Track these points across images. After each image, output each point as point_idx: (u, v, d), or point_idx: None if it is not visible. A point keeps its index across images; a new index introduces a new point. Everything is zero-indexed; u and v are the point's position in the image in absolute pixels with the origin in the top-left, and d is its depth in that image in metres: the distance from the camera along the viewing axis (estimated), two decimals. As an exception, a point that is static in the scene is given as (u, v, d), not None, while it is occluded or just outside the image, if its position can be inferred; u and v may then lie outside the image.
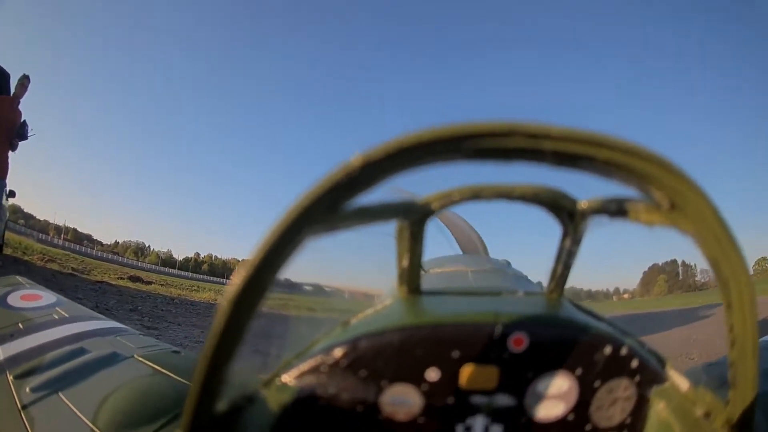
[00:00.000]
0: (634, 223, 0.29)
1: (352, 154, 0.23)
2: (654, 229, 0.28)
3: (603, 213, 0.30)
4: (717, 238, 0.25)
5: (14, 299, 1.11)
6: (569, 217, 0.31)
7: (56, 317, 1.00)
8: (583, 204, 0.30)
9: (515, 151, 0.24)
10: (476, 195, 0.30)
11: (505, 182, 0.29)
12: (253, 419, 0.31)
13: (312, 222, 0.24)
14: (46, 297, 1.13)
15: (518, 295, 0.40)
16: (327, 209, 0.24)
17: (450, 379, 0.32)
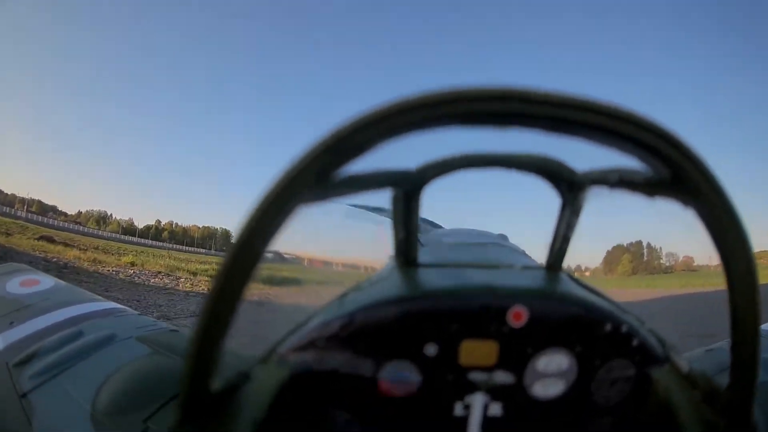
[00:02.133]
0: (635, 195, 0.28)
1: (342, 118, 0.22)
2: (654, 202, 0.27)
3: (603, 184, 0.29)
4: (719, 213, 0.25)
5: (13, 286, 1.11)
6: (568, 187, 0.31)
7: (54, 301, 1.00)
8: (582, 174, 0.30)
9: (511, 116, 0.23)
10: (472, 163, 0.29)
11: (502, 150, 0.28)
12: (250, 396, 0.31)
13: (302, 190, 0.23)
14: (44, 281, 1.13)
15: (517, 268, 0.39)
16: (317, 177, 0.23)
17: (449, 355, 0.31)
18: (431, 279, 0.35)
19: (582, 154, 0.27)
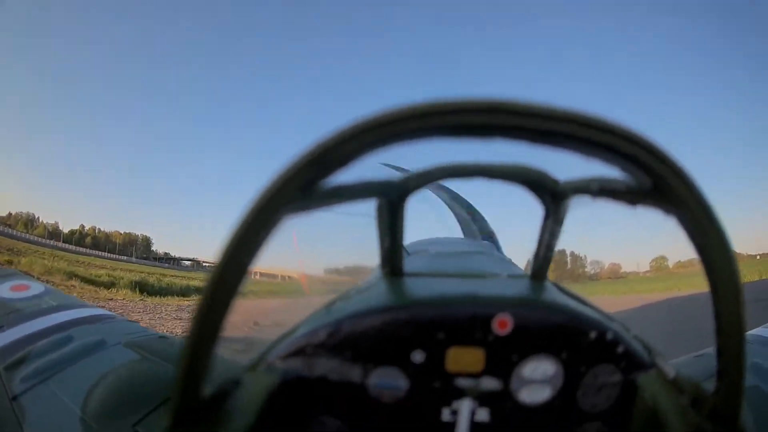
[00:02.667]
0: (617, 204, 0.28)
1: (327, 130, 0.22)
2: (636, 210, 0.28)
3: (585, 193, 0.29)
4: (701, 221, 0.25)
5: (3, 291, 1.10)
6: (551, 197, 0.31)
7: (44, 306, 1.00)
8: (564, 184, 0.30)
9: (496, 128, 0.23)
10: (456, 173, 0.29)
11: (485, 160, 0.29)
12: (240, 403, 0.31)
13: (287, 202, 0.23)
14: (34, 287, 1.12)
15: (502, 277, 0.40)
16: (302, 188, 0.23)
17: (436, 362, 0.31)
18: (417, 288, 0.35)
19: (564, 164, 0.28)
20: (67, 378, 0.71)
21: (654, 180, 0.25)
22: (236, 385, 0.32)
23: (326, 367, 0.32)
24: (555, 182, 0.30)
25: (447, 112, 0.22)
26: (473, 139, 0.24)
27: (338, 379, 0.32)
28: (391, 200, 0.32)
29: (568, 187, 0.30)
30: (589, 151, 0.24)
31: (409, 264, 0.39)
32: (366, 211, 0.32)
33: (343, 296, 0.38)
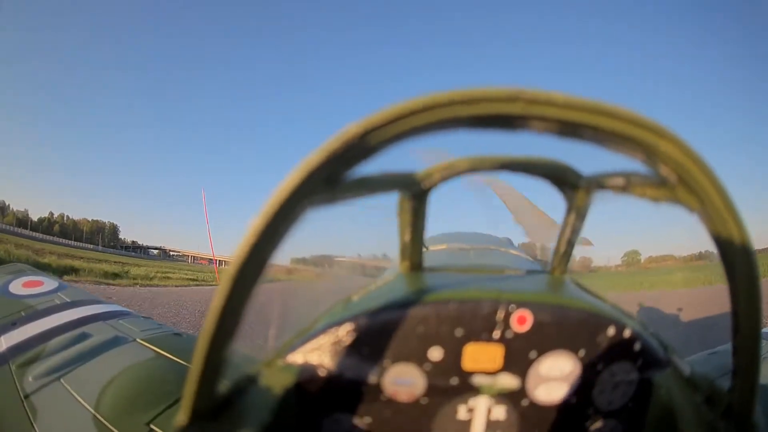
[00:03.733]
0: (640, 198, 0.28)
1: (349, 121, 0.22)
2: (659, 206, 0.27)
3: (608, 188, 0.29)
4: (723, 218, 0.24)
5: (16, 287, 1.11)
6: (573, 191, 0.31)
7: (58, 302, 1.00)
8: (588, 178, 0.30)
9: (517, 118, 0.22)
10: (479, 166, 0.29)
11: (508, 154, 0.28)
12: (256, 400, 0.31)
13: (311, 194, 0.23)
14: (48, 282, 1.13)
15: (521, 272, 0.39)
16: (326, 180, 0.23)
17: (453, 359, 0.31)
18: (436, 284, 0.34)
19: (588, 157, 0.27)
20: (81, 376, 0.71)
21: (679, 176, 0.24)
22: (252, 382, 0.32)
23: (344, 363, 0.32)
24: (578, 176, 0.30)
25: (468, 102, 0.22)
26: (496, 130, 0.23)
27: (355, 376, 0.32)
28: (414, 194, 0.31)
29: (592, 182, 0.29)
30: (613, 143, 0.24)
31: (428, 258, 0.39)
32: (387, 203, 0.31)
33: (360, 291, 0.37)
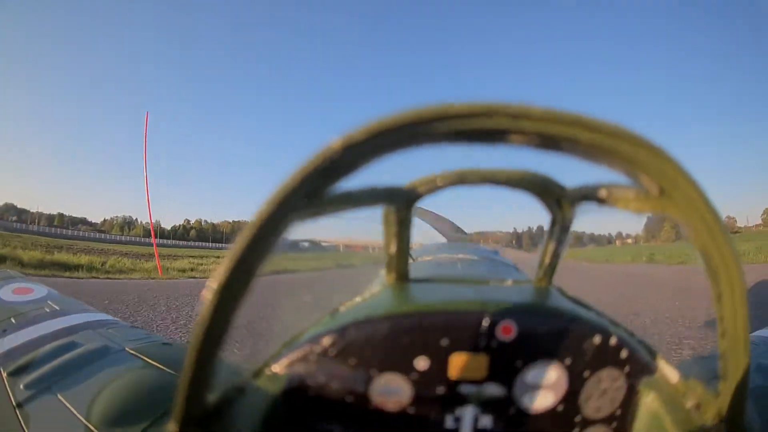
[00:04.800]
0: (623, 210, 0.28)
1: (331, 137, 0.22)
2: (642, 217, 0.28)
3: (591, 200, 0.29)
4: (707, 226, 0.25)
5: (6, 293, 1.10)
6: (557, 203, 0.31)
7: (48, 311, 1.00)
8: (571, 190, 0.30)
9: (497, 132, 0.23)
10: (462, 179, 0.29)
11: (492, 166, 0.29)
12: (244, 410, 0.31)
13: (295, 209, 0.23)
14: (38, 290, 1.12)
15: (506, 283, 0.40)
16: (309, 195, 0.23)
17: (439, 368, 0.31)
18: (421, 295, 0.35)
19: (571, 169, 0.27)
20: (71, 385, 0.71)
21: (662, 186, 0.25)
22: (241, 392, 0.32)
23: (330, 373, 0.32)
24: (561, 189, 0.30)
25: (448, 117, 0.22)
26: (478, 144, 0.24)
27: (342, 386, 0.32)
28: (399, 207, 0.31)
29: (575, 194, 0.30)
30: (593, 155, 0.24)
31: (414, 269, 0.39)
32: (372, 216, 0.31)
33: (347, 302, 0.37)
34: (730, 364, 0.29)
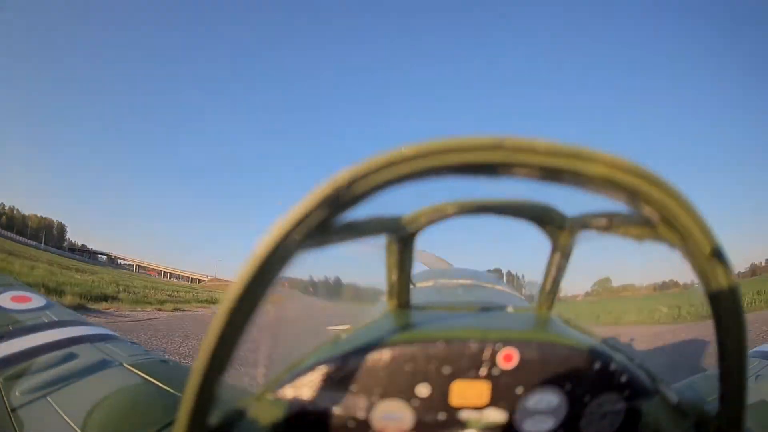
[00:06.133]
0: (624, 238, 0.29)
1: (338, 169, 0.23)
2: (643, 244, 0.28)
3: (592, 228, 0.30)
4: (706, 253, 0.25)
5: (4, 300, 1.10)
6: (558, 232, 0.31)
7: (45, 320, 0.99)
8: (572, 219, 0.30)
9: (501, 165, 0.23)
10: (464, 210, 0.30)
11: (493, 197, 0.29)
12: None
13: (302, 238, 0.23)
14: (36, 299, 1.12)
15: (508, 310, 0.40)
16: (316, 225, 0.24)
17: (441, 395, 0.31)
18: (423, 322, 0.35)
19: (571, 199, 0.28)
20: (68, 395, 0.70)
21: (661, 214, 0.25)
22: (241, 416, 0.32)
23: (332, 399, 0.32)
24: (562, 217, 0.30)
25: (451, 150, 0.23)
26: (483, 177, 0.24)
27: (344, 412, 0.32)
28: (401, 237, 0.32)
29: (575, 223, 0.30)
30: (594, 185, 0.25)
31: (415, 295, 0.39)
32: (375, 244, 0.32)
33: (349, 329, 0.38)
34: (729, 386, 0.29)
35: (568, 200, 0.29)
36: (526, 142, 0.23)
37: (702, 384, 0.67)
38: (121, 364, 0.81)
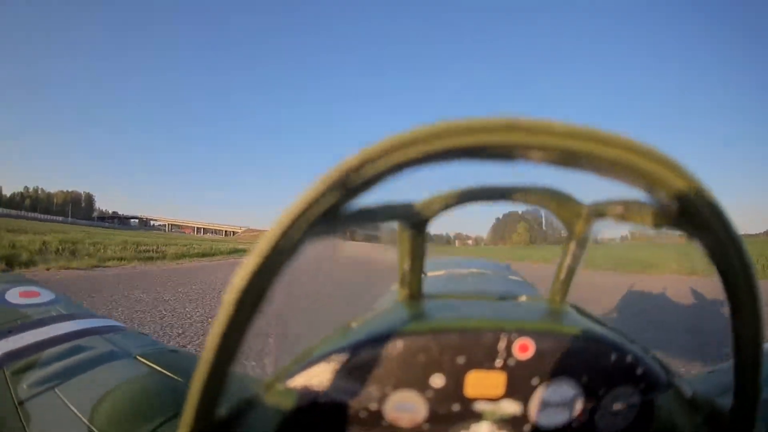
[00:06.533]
0: (641, 226, 0.28)
1: (346, 153, 0.22)
2: (660, 233, 0.27)
3: (608, 216, 0.29)
4: (725, 244, 0.24)
5: (12, 295, 1.11)
6: (574, 219, 0.31)
7: (54, 314, 1.00)
8: (589, 207, 0.30)
9: (515, 147, 0.22)
10: (478, 196, 0.29)
11: (508, 183, 0.28)
12: (255, 424, 0.31)
13: (311, 225, 0.23)
14: (44, 294, 1.13)
15: (521, 299, 0.39)
16: (325, 212, 0.23)
17: (455, 386, 0.31)
18: (436, 312, 0.35)
19: (588, 185, 0.27)
20: (75, 387, 0.71)
21: (680, 202, 0.24)
22: (251, 406, 0.32)
23: (343, 390, 0.32)
24: (579, 205, 0.30)
25: (464, 132, 0.22)
26: (494, 161, 0.23)
27: (355, 403, 0.32)
28: (413, 224, 0.31)
29: (592, 211, 0.30)
30: (612, 171, 0.24)
31: (427, 284, 0.39)
32: (386, 231, 0.31)
33: (360, 318, 0.37)
34: (744, 380, 0.28)
35: (583, 186, 0.28)
36: (542, 123, 0.22)
37: (716, 377, 0.66)
38: (130, 355, 0.82)
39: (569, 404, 0.32)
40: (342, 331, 0.36)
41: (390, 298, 0.40)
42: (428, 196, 0.30)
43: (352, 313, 0.38)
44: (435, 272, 0.60)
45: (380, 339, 0.32)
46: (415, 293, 0.38)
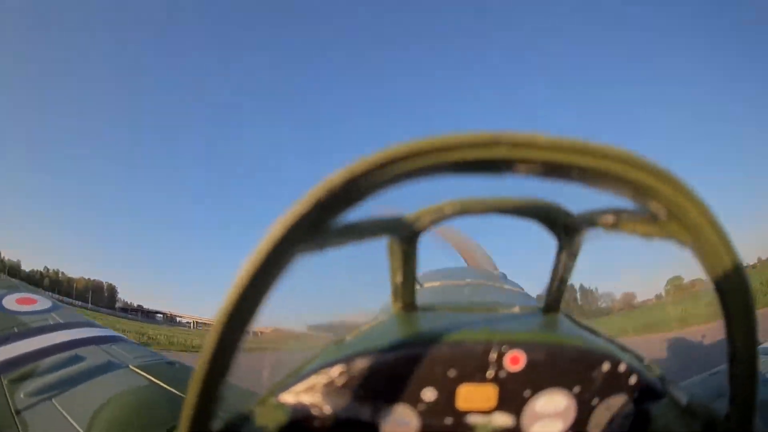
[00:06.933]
0: (631, 235, 0.28)
1: (332, 169, 0.22)
2: (651, 241, 0.27)
3: (599, 226, 0.29)
4: (716, 249, 0.24)
5: (9, 302, 1.10)
6: (564, 230, 0.31)
7: (51, 323, 0.99)
8: (578, 217, 0.30)
9: (501, 161, 0.22)
10: (467, 209, 0.29)
11: (497, 195, 0.28)
12: None
13: (298, 241, 0.23)
14: (42, 301, 1.12)
15: (514, 310, 0.39)
16: (313, 228, 0.23)
17: (447, 399, 0.31)
18: (429, 324, 0.35)
19: (577, 196, 0.27)
20: (72, 397, 0.70)
21: (670, 210, 0.24)
22: (245, 421, 0.32)
23: (336, 403, 0.32)
24: (568, 215, 0.30)
25: (449, 148, 0.22)
26: (483, 175, 0.23)
27: (348, 416, 0.32)
28: (404, 237, 0.31)
29: (582, 220, 0.30)
30: (600, 181, 0.24)
31: (421, 295, 0.39)
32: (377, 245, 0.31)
33: (353, 332, 0.37)
34: (739, 386, 0.28)
35: (572, 197, 0.28)
36: (525, 137, 0.21)
37: (713, 380, 0.66)
38: (128, 366, 0.82)
39: (562, 415, 0.32)
40: (335, 344, 0.36)
41: (384, 311, 0.40)
42: (418, 209, 0.30)
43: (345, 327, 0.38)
44: (431, 282, 0.59)
45: (372, 352, 0.32)
46: (408, 305, 0.38)
